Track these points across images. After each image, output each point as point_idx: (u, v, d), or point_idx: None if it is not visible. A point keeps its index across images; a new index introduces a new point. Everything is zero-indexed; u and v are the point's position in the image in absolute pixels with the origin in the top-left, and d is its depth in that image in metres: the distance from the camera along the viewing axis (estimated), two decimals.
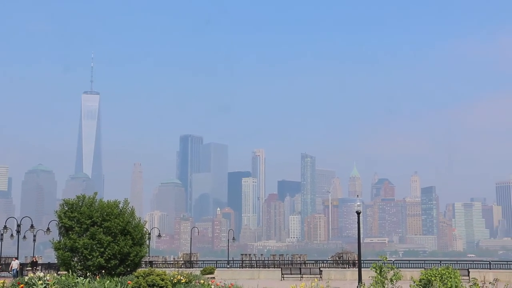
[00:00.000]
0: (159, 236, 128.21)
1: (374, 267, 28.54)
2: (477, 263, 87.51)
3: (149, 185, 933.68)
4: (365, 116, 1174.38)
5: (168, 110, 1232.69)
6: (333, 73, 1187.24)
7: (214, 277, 52.26)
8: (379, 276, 27.65)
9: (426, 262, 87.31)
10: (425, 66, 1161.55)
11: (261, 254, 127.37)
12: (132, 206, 49.09)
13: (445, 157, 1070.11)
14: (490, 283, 20.57)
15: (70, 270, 43.41)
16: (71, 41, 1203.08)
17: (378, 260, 30.64)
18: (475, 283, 20.60)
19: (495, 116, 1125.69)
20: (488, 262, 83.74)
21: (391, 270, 28.08)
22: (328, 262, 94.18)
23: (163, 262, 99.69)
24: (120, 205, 47.43)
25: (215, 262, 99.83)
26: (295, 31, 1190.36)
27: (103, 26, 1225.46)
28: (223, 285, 36.40)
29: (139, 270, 23.91)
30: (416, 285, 22.19)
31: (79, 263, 44.78)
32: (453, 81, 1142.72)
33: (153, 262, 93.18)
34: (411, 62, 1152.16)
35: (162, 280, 23.56)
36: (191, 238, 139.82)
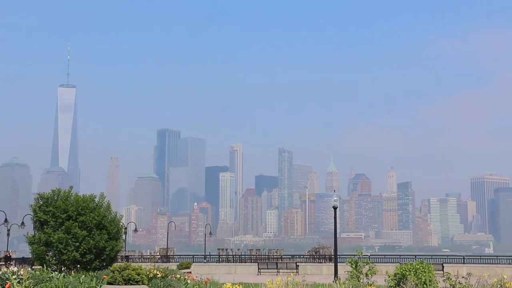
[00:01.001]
0: (135, 230, 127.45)
1: (349, 262, 28.87)
2: (451, 258, 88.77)
3: (126, 179, 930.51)
4: (343, 112, 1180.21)
5: (146, 105, 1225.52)
6: (312, 69, 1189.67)
7: (190, 272, 52.07)
8: (355, 271, 27.94)
9: (401, 257, 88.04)
10: (401, 62, 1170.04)
11: (238, 249, 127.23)
12: (108, 200, 48.74)
13: (422, 153, 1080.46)
14: (463, 277, 20.82)
15: (44, 265, 42.99)
16: (48, 35, 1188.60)
17: (354, 255, 30.91)
18: (448, 278, 20.86)
19: (470, 113, 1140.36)
20: (462, 257, 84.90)
21: (367, 264, 28.43)
22: (305, 257, 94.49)
23: (140, 256, 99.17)
24: (96, 199, 47.05)
25: (191, 256, 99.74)
26: (274, 30, 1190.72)
27: (82, 22, 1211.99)
28: (199, 279, 36.35)
29: (115, 264, 23.75)
30: (391, 279, 22.37)
31: (53, 258, 44.36)
32: (429, 77, 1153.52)
33: (129, 256, 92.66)
34: (388, 59, 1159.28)
35: (138, 274, 23.40)
36: (167, 233, 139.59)
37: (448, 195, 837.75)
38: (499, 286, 18.73)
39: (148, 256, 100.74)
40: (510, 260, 78.30)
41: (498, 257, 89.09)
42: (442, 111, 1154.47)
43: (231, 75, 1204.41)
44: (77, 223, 44.37)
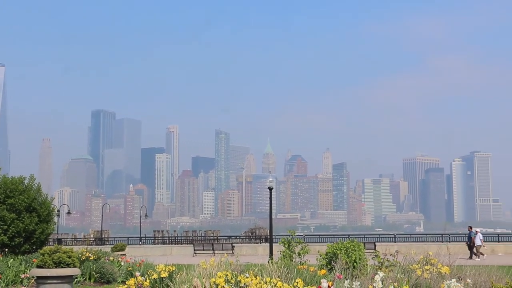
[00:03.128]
0: (68, 213, 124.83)
1: (282, 242, 29.35)
2: (384, 237, 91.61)
3: (59, 161, 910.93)
4: (279, 93, 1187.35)
5: (79, 85, 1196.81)
6: (247, 51, 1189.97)
7: (125, 254, 51.48)
8: (288, 251, 28.39)
9: (335, 236, 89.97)
10: (336, 45, 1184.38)
11: (174, 231, 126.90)
12: (39, 183, 47.50)
13: (356, 134, 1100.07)
14: (391, 255, 21.39)
15: None
16: None
17: (287, 235, 31.40)
18: (377, 255, 21.40)
19: (403, 95, 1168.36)
20: (394, 236, 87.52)
21: (299, 244, 28.95)
22: (241, 238, 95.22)
23: (73, 239, 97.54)
24: (26, 181, 45.78)
25: (126, 239, 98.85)
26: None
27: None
28: (133, 261, 36.02)
29: (45, 247, 23.21)
30: (322, 258, 22.76)
31: None
32: (362, 60, 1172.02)
33: (62, 239, 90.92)
34: (323, 41, 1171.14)
35: (69, 257, 22.89)
36: (102, 215, 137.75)
37: (381, 175, 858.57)
38: (424, 262, 19.31)
39: (81, 239, 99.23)
40: (437, 238, 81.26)
41: (427, 235, 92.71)
42: (375, 93, 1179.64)
43: (165, 56, 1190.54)
44: (5, 206, 43.07)
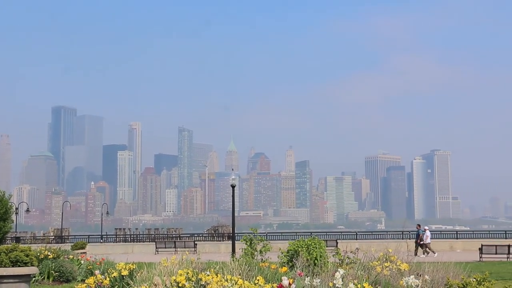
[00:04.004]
0: (27, 210, 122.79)
1: (244, 240, 29.44)
2: (346, 234, 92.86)
3: (18, 158, 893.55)
4: (242, 91, 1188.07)
5: (39, 81, 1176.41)
6: (209, 51, 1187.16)
7: (85, 252, 50.91)
8: (249, 248, 28.46)
9: (298, 234, 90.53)
10: (299, 43, 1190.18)
11: (136, 228, 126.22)
12: None
13: (319, 132, 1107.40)
14: (351, 252, 21.59)
15: None
16: None
17: (249, 233, 31.49)
18: (337, 253, 21.58)
19: (366, 93, 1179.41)
20: (355, 233, 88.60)
21: (261, 242, 29.07)
22: (204, 235, 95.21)
23: (32, 237, 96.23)
24: None
25: (87, 237, 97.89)
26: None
27: None
28: (93, 260, 35.59)
29: (2, 246, 22.69)
30: (284, 255, 22.84)
31: None
32: (325, 58, 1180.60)
33: (21, 238, 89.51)
34: (286, 39, 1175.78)
35: (27, 256, 22.41)
36: (62, 213, 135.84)
37: (344, 173, 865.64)
38: (384, 259, 19.53)
39: (41, 237, 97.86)
40: (398, 235, 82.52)
41: (388, 233, 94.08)
42: (338, 92, 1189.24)
43: (124, 52, 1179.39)
44: None
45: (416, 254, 55.89)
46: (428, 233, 60.53)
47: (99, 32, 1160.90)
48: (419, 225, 64.53)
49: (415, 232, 63.68)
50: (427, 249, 58.86)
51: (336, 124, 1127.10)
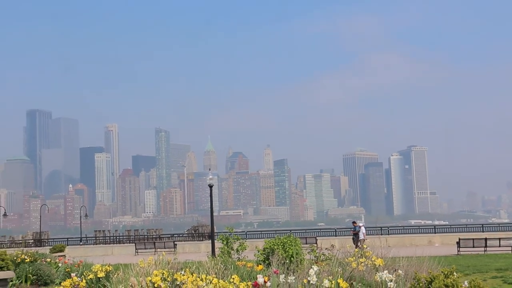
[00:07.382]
0: (5, 215, 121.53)
1: (220, 239, 29.60)
2: (325, 231, 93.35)
3: None
4: (218, 91, 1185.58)
5: (13, 84, 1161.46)
6: (185, 49, 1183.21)
7: (64, 255, 50.55)
8: (226, 247, 28.60)
9: (278, 232, 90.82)
10: (275, 43, 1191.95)
11: (116, 230, 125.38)
12: None
13: (297, 131, 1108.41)
14: (326, 249, 21.84)
15: None
16: None
17: (225, 232, 31.62)
18: (312, 250, 21.81)
19: (342, 91, 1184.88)
20: (334, 230, 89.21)
21: (237, 241, 29.23)
22: (184, 235, 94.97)
23: (11, 241, 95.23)
24: None
25: (66, 240, 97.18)
26: None
27: None
28: (72, 262, 35.44)
29: None
30: (260, 254, 22.98)
31: None
32: (302, 56, 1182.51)
33: None
34: (262, 41, 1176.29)
35: (2, 260, 22.38)
36: (40, 216, 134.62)
37: (322, 171, 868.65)
38: (360, 255, 19.79)
39: (19, 241, 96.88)
40: (376, 231, 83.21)
41: (367, 229, 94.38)
42: (315, 91, 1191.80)
43: (100, 54, 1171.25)
44: None
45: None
46: (363, 229, 61.54)
47: (71, 34, 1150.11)
48: (354, 222, 65.50)
49: (352, 229, 65.08)
50: (359, 244, 59.57)
51: (312, 122, 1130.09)
